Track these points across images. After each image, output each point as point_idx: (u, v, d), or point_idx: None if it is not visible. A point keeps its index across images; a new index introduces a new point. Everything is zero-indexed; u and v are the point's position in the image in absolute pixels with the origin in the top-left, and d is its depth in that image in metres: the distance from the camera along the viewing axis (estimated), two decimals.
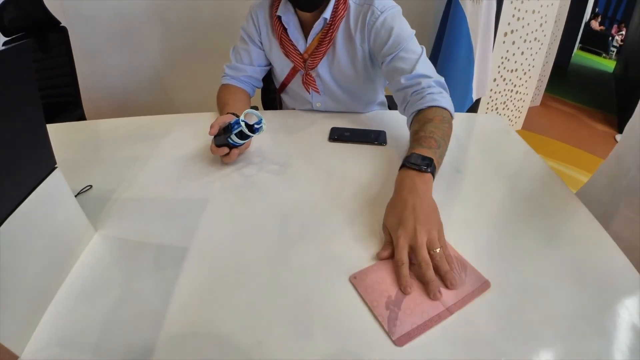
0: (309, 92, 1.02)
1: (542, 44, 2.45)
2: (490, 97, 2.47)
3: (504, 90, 2.51)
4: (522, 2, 2.18)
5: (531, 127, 2.86)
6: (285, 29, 0.94)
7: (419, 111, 0.78)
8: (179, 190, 0.73)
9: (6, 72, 0.43)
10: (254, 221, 0.65)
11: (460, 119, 1.03)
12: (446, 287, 0.51)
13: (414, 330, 0.46)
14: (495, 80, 2.40)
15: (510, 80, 2.48)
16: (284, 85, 1.07)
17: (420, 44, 0.88)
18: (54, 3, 1.51)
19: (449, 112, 0.78)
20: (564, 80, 4.14)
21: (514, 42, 2.31)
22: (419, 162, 0.64)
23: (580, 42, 5.52)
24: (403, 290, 0.51)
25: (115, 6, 1.82)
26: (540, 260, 0.57)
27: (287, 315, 0.48)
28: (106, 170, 0.78)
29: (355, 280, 0.53)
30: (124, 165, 0.79)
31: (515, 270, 0.55)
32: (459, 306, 0.49)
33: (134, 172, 0.77)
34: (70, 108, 1.59)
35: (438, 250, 0.53)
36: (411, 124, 0.80)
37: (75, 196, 0.60)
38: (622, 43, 5.45)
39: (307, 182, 0.75)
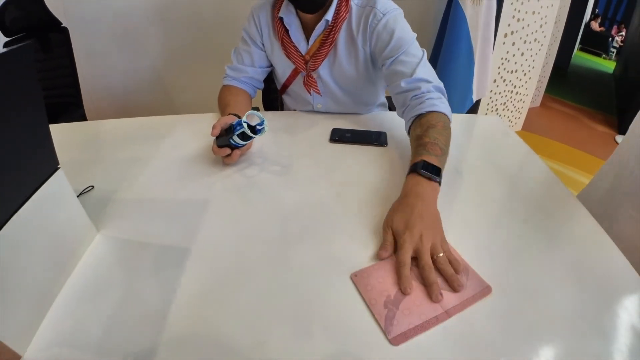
0: (310, 93, 1.02)
1: (542, 45, 2.45)
2: (490, 98, 2.48)
3: (504, 91, 2.51)
4: (522, 3, 2.18)
5: (531, 128, 2.86)
6: (287, 31, 0.94)
7: (419, 116, 0.79)
8: (181, 190, 0.73)
9: (10, 73, 0.43)
10: (255, 222, 0.65)
11: (460, 120, 1.03)
12: (453, 289, 0.51)
13: (411, 330, 0.46)
14: (495, 81, 2.41)
15: (510, 81, 2.49)
16: (285, 86, 1.07)
17: (420, 45, 0.88)
18: (55, 3, 1.51)
19: (448, 118, 0.79)
20: (564, 81, 4.15)
21: (514, 43, 2.32)
22: (430, 171, 0.65)
23: (580, 43, 5.53)
24: (403, 290, 0.51)
25: (116, 7, 1.82)
26: (540, 261, 0.57)
27: (288, 316, 0.49)
28: (108, 171, 0.78)
29: (356, 279, 0.53)
30: (125, 165, 0.79)
31: (515, 271, 0.55)
32: (458, 309, 0.49)
33: (135, 172, 0.77)
34: (71, 108, 1.60)
35: (441, 254, 0.55)
36: (411, 128, 0.80)
37: (77, 197, 0.60)
38: (622, 44, 5.46)
39: (308, 183, 0.75)
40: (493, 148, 0.90)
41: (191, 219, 0.65)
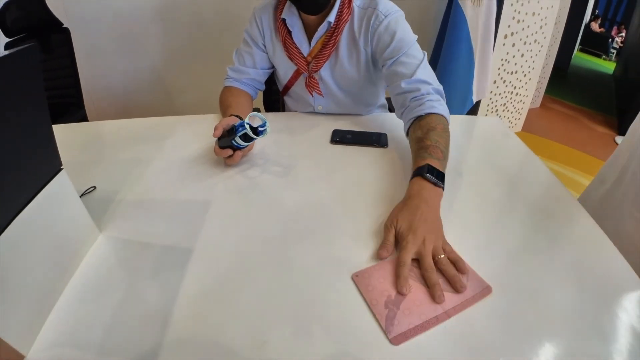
0: (312, 94, 1.03)
1: (542, 45, 2.46)
2: (490, 99, 2.48)
3: (504, 92, 2.52)
4: (522, 4, 2.19)
5: (531, 129, 2.86)
6: (289, 32, 0.95)
7: (419, 117, 0.79)
8: (182, 191, 0.73)
9: (16, 74, 0.43)
10: (257, 222, 0.65)
11: (460, 122, 1.04)
12: (455, 290, 0.52)
13: (411, 330, 0.47)
14: (495, 82, 2.41)
15: (510, 82, 2.49)
16: (287, 87, 1.08)
17: (420, 46, 0.89)
18: (57, 4, 1.52)
19: (446, 120, 0.80)
20: (564, 82, 4.15)
21: (514, 44, 2.32)
22: (435, 176, 0.66)
23: (580, 44, 5.54)
24: (399, 289, 0.52)
25: (117, 7, 1.83)
26: (540, 262, 0.57)
27: (289, 316, 0.49)
28: (109, 172, 0.79)
29: (357, 279, 0.53)
30: (127, 166, 0.80)
31: (515, 271, 0.56)
32: (458, 310, 0.49)
33: (137, 173, 0.78)
34: (72, 109, 1.60)
35: (442, 256, 0.55)
36: (410, 129, 0.81)
37: (79, 197, 0.60)
38: (622, 45, 5.47)
39: (309, 184, 0.75)
40: (493, 149, 0.91)
41: (193, 220, 0.65)
